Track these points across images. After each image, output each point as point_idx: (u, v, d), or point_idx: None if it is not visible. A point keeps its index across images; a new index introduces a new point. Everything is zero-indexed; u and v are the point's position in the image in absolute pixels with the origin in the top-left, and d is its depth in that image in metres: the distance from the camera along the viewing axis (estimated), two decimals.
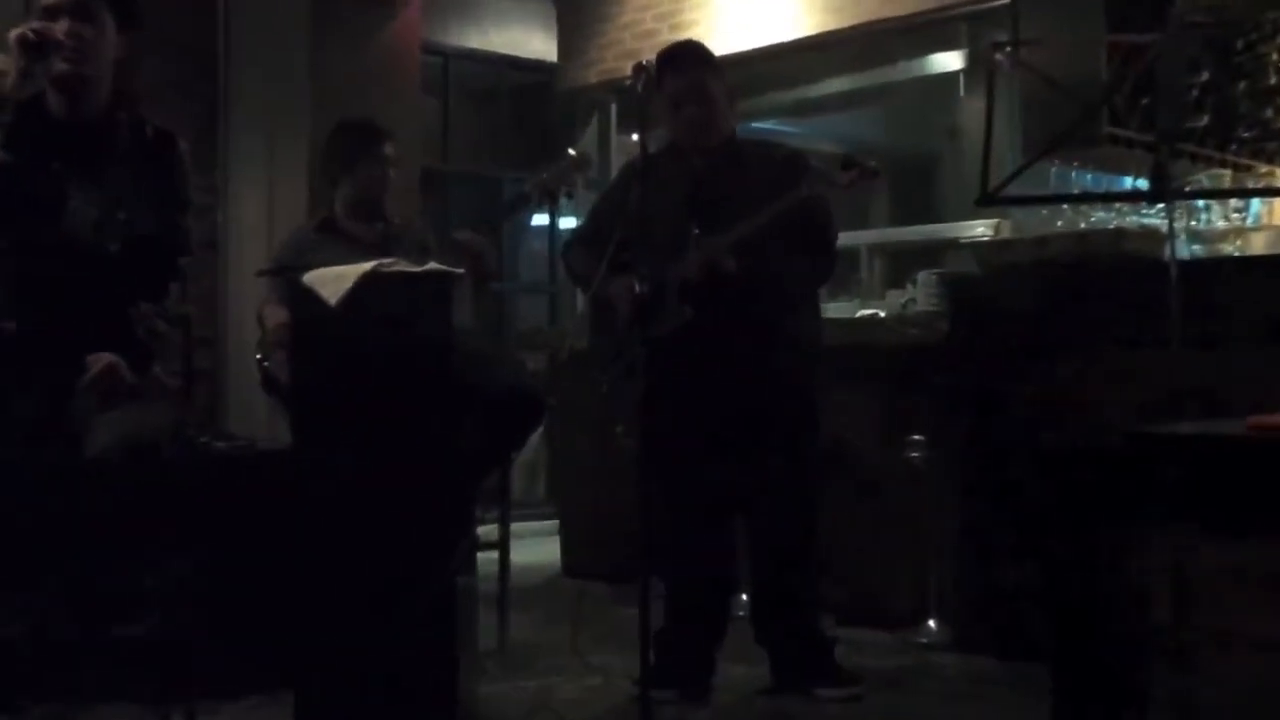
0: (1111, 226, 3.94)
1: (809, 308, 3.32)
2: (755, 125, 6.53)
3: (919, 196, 7.01)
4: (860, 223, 6.64)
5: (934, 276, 4.41)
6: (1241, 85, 4.33)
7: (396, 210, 3.97)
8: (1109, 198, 4.13)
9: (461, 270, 2.92)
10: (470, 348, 3.19)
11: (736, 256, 3.09)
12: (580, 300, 5.16)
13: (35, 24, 2.77)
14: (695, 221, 3.15)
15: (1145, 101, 3.59)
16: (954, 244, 5.41)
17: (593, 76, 7.14)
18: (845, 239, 3.75)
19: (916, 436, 3.97)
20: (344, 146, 3.86)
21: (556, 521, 5.48)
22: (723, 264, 3.07)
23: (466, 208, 6.94)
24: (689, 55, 3.23)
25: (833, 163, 3.15)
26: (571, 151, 3.34)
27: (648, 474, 2.71)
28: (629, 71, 2.85)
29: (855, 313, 5.03)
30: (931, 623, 3.93)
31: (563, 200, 3.24)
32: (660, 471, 2.99)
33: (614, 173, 4.48)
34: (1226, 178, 4.21)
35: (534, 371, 4.30)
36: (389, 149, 3.87)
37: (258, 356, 3.66)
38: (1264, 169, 4.29)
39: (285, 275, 3.14)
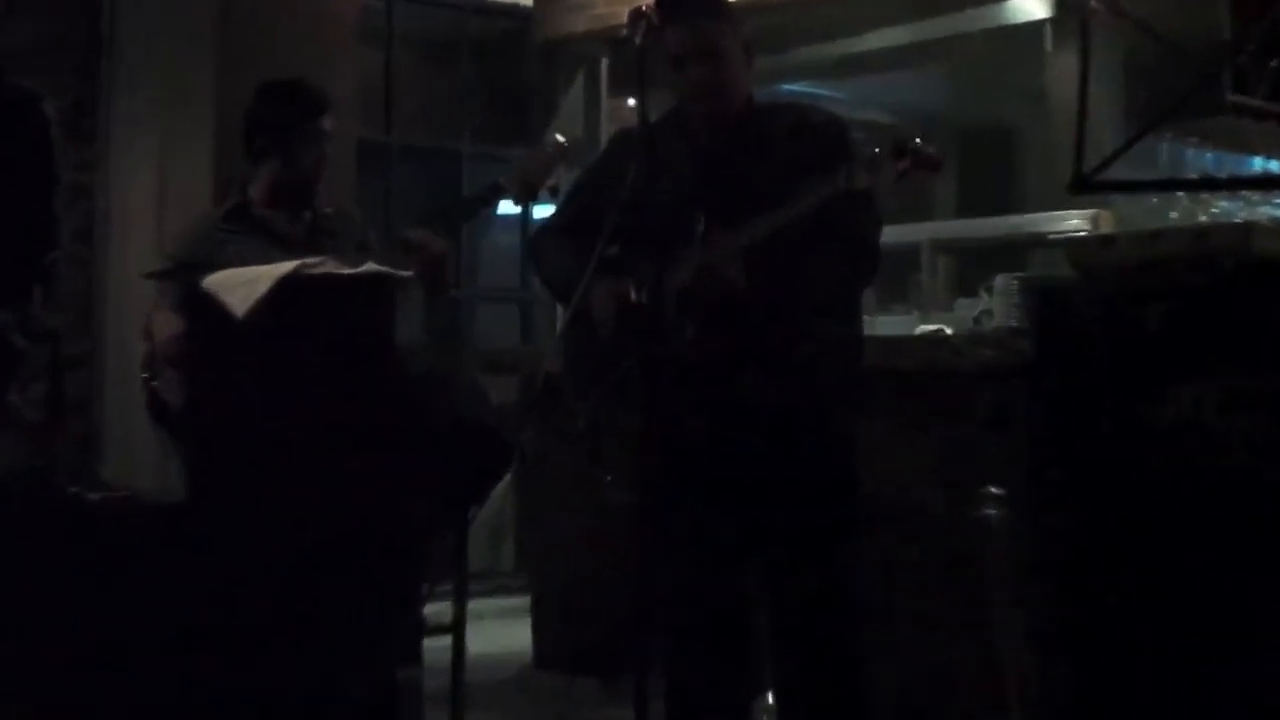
0: (1239, 219, 4.09)
1: (846, 321, 3.34)
2: (785, 88, 6.60)
3: (994, 180, 7.10)
4: (920, 213, 6.68)
5: (1015, 282, 4.42)
6: None
7: (328, 197, 4.04)
8: (1235, 185, 4.26)
9: (410, 274, 3.01)
10: (418, 372, 3.23)
11: (751, 261, 3.10)
12: (560, 312, 5.14)
13: None
14: (701, 212, 3.16)
15: (1276, 64, 3.63)
16: (1040, 241, 5.51)
17: (579, 25, 7.22)
18: (902, 233, 3.99)
19: (992, 489, 4.02)
20: (270, 117, 3.93)
21: (527, 598, 5.54)
22: (727, 273, 3.09)
23: (416, 193, 6.98)
24: (689, 5, 3.24)
25: (881, 141, 3.16)
26: (558, 137, 3.43)
27: (645, 537, 2.72)
28: (624, 19, 2.89)
29: (914, 328, 5.08)
30: None
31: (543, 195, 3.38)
32: (661, 534, 3.00)
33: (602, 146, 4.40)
34: None
35: (500, 404, 4.36)
36: (327, 123, 3.92)
37: (144, 375, 3.71)
38: None
39: (181, 276, 3.20)
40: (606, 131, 7.10)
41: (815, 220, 3.03)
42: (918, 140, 3.02)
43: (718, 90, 3.21)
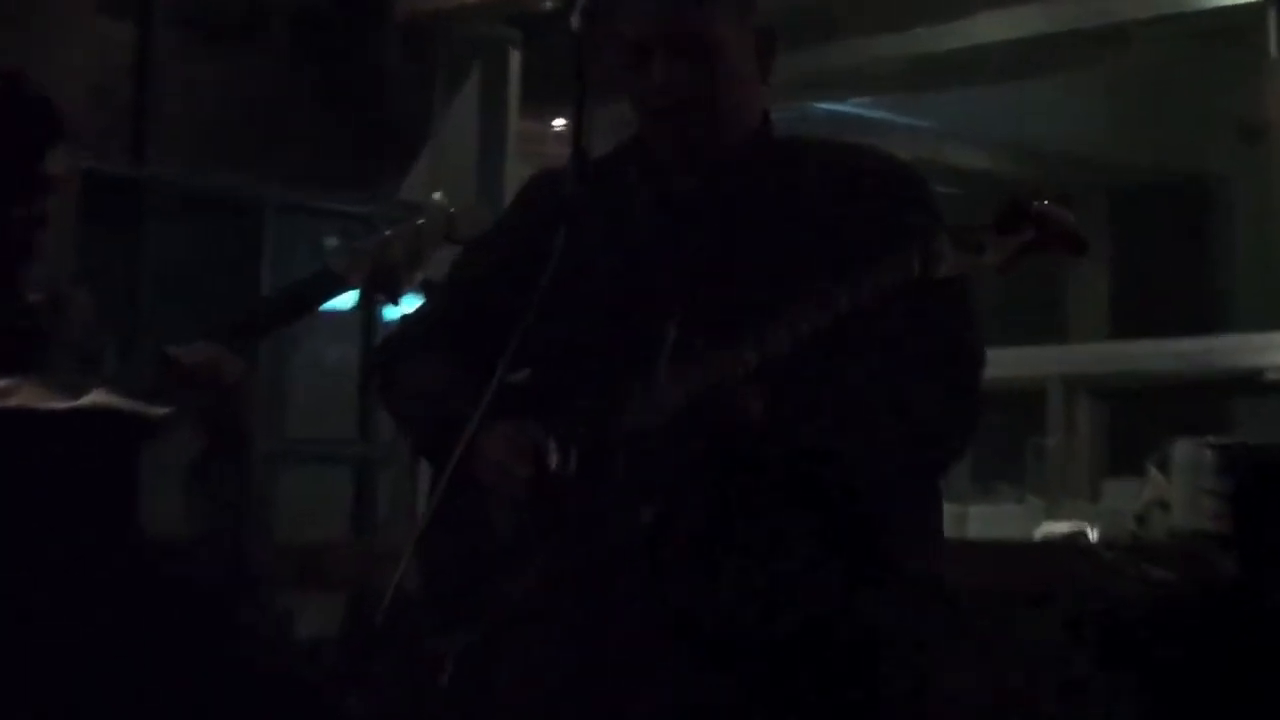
0: None
1: (920, 506, 2.93)
2: (823, 108, 6.25)
3: (1174, 272, 6.72)
4: (1046, 328, 6.46)
5: (1209, 453, 4.02)
6: None
7: (38, 277, 3.57)
8: None
9: (168, 411, 2.87)
10: (186, 576, 3.16)
11: (765, 394, 2.74)
12: (424, 477, 5.01)
13: None
14: (675, 312, 2.80)
15: None
16: (1254, 381, 5.14)
17: None
18: (1016, 361, 4.12)
19: None
20: None
21: None
22: (731, 408, 2.72)
23: (188, 268, 6.30)
24: None
25: (983, 199, 2.81)
26: (437, 197, 3.22)
27: None
28: None
29: (1034, 526, 4.71)
30: None
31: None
32: None
33: (509, 200, 4.02)
34: None
35: (317, 636, 4.25)
36: (58, 164, 3.58)
37: None
38: None
39: None
40: (515, 175, 6.43)
41: (872, 331, 2.72)
42: (1045, 201, 2.63)
43: (706, 106, 2.87)
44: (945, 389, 2.85)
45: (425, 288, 3.25)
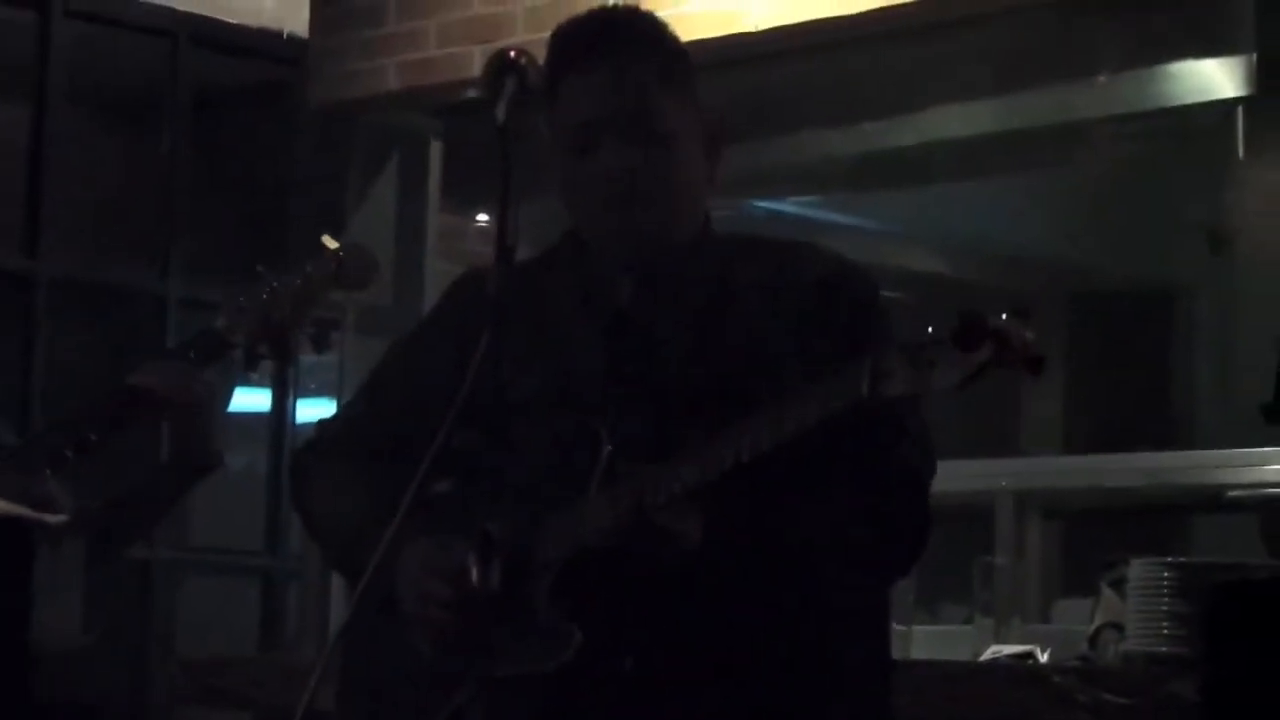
0: None
1: (866, 633, 2.90)
2: (763, 206, 6.13)
3: (1130, 384, 6.58)
4: (996, 440, 6.31)
5: (1166, 573, 3.96)
6: None
7: None
8: None
9: (63, 518, 2.96)
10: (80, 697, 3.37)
11: (704, 516, 2.67)
12: (338, 593, 5.22)
13: None
14: (609, 425, 2.75)
15: None
16: (1214, 499, 4.97)
17: (388, 78, 6.38)
18: (964, 476, 4.23)
19: None
20: None
21: None
22: (664, 531, 2.66)
23: (84, 363, 6.11)
24: (619, 37, 2.85)
25: (938, 309, 2.74)
26: (328, 242, 3.18)
27: None
28: (477, 70, 3.16)
29: (981, 649, 4.54)
30: None
31: (308, 355, 3.27)
32: None
33: (429, 298, 4.71)
34: None
35: None
36: None
37: None
38: None
39: None
40: (436, 269, 6.22)
41: (817, 450, 2.63)
42: (1004, 316, 2.51)
43: (657, 197, 2.78)
44: (898, 504, 2.78)
45: (313, 339, 3.18)
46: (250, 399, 3.25)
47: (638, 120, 2.76)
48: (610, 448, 2.74)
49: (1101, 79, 5.34)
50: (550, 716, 2.74)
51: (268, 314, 3.12)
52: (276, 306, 3.11)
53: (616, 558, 2.70)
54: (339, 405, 3.54)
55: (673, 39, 2.86)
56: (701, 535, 2.66)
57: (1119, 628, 4.08)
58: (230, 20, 6.58)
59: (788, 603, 2.77)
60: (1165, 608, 3.89)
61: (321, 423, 3.14)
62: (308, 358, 4.46)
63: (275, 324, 3.13)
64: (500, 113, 2.53)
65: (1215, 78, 5.27)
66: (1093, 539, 5.37)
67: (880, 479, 2.76)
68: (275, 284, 3.14)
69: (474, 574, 2.62)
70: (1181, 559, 4.11)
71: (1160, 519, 5.38)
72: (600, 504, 2.69)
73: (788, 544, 2.75)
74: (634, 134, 2.75)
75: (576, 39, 2.80)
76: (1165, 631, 3.88)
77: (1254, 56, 4.93)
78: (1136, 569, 4.05)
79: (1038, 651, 4.31)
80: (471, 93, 2.69)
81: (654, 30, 2.86)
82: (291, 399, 6.37)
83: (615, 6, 3.33)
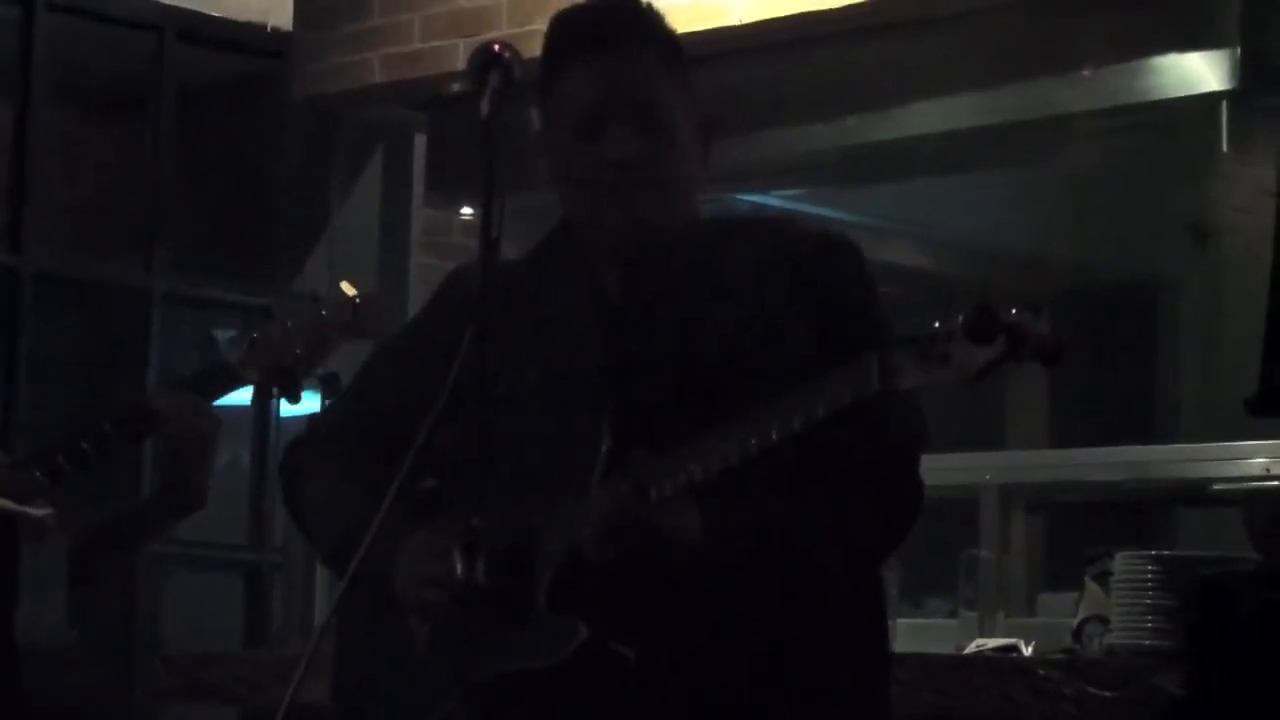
0: None
1: (862, 628, 2.88)
2: (747, 200, 6.01)
3: (1115, 379, 6.57)
4: (981, 434, 6.22)
5: (1150, 567, 3.97)
6: None
7: None
8: None
9: (49, 511, 2.92)
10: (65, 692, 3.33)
11: (704, 506, 2.64)
12: (324, 585, 5.10)
13: None
14: (607, 415, 2.72)
15: None
16: (1197, 492, 4.91)
17: (376, 71, 6.40)
18: (948, 469, 4.18)
19: None
20: None
21: None
22: (665, 525, 2.62)
23: (67, 361, 6.23)
24: (622, 25, 2.82)
25: (941, 301, 3.00)
26: (346, 288, 3.15)
27: None
28: (462, 63, 3.08)
29: (966, 641, 4.52)
30: None
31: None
32: None
33: (414, 292, 4.87)
34: None
35: None
36: None
37: None
38: None
39: None
40: (420, 263, 6.22)
41: (817, 438, 2.62)
42: (1014, 310, 2.49)
43: (658, 182, 2.78)
44: (893, 483, 2.77)
45: (322, 381, 3.14)
46: (234, 393, 3.20)
47: (643, 109, 2.75)
48: (610, 441, 2.72)
49: (1085, 73, 5.35)
50: (553, 710, 2.72)
51: (281, 355, 3.12)
52: (289, 349, 3.11)
53: (618, 547, 2.66)
54: (322, 400, 3.53)
55: (671, 29, 2.84)
56: (701, 530, 2.65)
57: (1103, 621, 4.09)
58: (214, 14, 6.57)
59: (788, 594, 2.75)
60: (1149, 601, 3.91)
61: (313, 419, 3.14)
62: None
63: (287, 365, 3.13)
64: (484, 106, 2.51)
65: (1199, 72, 5.26)
66: (1077, 532, 5.37)
67: (885, 465, 2.76)
68: (290, 324, 3.13)
69: (457, 566, 2.57)
70: (1166, 552, 4.13)
71: (1144, 513, 5.35)
72: (602, 498, 2.67)
73: (787, 535, 2.75)
74: (639, 122, 2.74)
75: (579, 26, 2.79)
76: (1149, 625, 3.89)
77: (1238, 51, 4.94)
78: (1121, 562, 4.06)
79: (1022, 644, 4.33)
80: (456, 86, 2.66)
81: (654, 20, 2.85)
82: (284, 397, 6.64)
83: None
